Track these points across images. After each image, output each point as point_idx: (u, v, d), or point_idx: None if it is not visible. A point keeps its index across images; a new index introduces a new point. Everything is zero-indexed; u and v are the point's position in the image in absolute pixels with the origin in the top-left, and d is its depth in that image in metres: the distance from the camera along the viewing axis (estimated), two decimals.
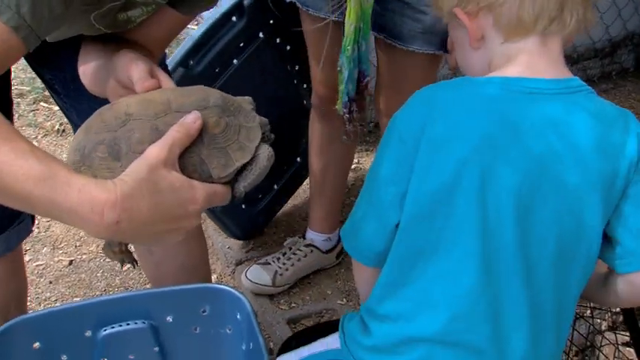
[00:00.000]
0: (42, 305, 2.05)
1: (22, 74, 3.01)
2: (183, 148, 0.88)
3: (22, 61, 1.29)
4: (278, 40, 2.05)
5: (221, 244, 2.27)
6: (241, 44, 1.95)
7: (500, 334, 0.98)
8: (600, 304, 1.16)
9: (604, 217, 0.96)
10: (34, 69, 1.39)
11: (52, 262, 2.22)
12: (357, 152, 2.70)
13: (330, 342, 1.16)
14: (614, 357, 1.57)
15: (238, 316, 1.18)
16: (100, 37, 1.11)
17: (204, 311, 1.20)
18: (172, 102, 0.93)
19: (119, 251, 1.02)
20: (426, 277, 0.99)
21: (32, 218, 1.46)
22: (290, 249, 2.12)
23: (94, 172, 0.88)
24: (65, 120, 2.11)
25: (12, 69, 1.18)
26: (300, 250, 2.11)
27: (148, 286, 2.03)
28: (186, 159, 0.89)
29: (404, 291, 1.01)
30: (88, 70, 1.10)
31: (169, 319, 1.18)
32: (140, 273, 2.15)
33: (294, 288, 2.10)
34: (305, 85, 2.14)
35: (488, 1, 0.97)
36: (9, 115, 1.35)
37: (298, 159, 2.29)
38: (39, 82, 2.27)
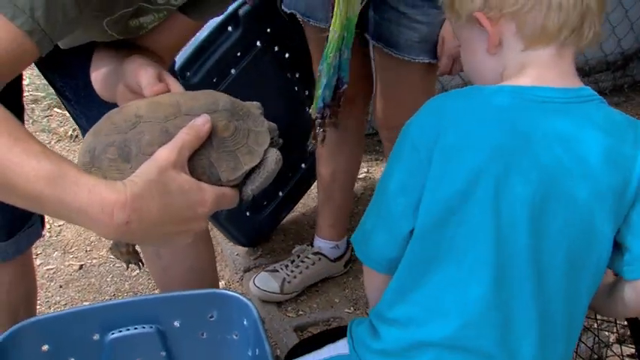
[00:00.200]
0: (52, 309, 2.06)
1: (37, 80, 3.03)
2: (192, 151, 0.88)
3: None
4: (276, 49, 2.05)
5: (230, 251, 2.28)
6: (238, 54, 1.94)
7: (510, 339, 0.99)
8: (607, 315, 1.16)
9: (614, 226, 0.97)
10: (45, 76, 1.40)
11: (62, 267, 2.24)
12: (367, 162, 2.71)
13: (339, 347, 1.16)
14: None
15: (245, 322, 1.19)
16: (112, 44, 1.12)
17: (211, 317, 1.21)
18: (182, 105, 0.93)
19: (126, 252, 1.03)
20: (437, 284, 1.00)
21: (42, 222, 1.47)
22: (298, 257, 2.12)
23: (103, 174, 0.88)
24: None
25: (27, 75, 1.20)
26: (308, 258, 2.11)
27: (156, 291, 2.04)
28: (196, 161, 0.89)
29: (415, 296, 1.02)
30: (99, 75, 1.11)
31: (177, 323, 1.19)
32: (149, 278, 2.16)
33: (302, 295, 2.11)
34: (307, 92, 2.14)
35: (514, 8, 0.96)
36: (21, 120, 1.37)
37: (303, 165, 2.29)
38: None
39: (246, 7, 1.91)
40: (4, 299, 1.46)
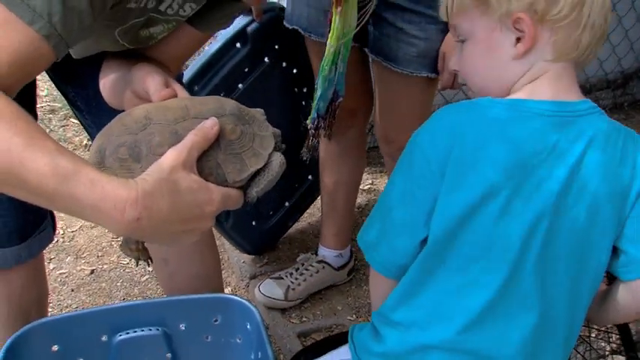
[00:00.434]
0: (63, 311, 2.08)
1: (54, 91, 3.07)
2: (201, 152, 0.91)
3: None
4: (284, 64, 2.06)
5: (236, 258, 2.30)
6: (246, 69, 1.95)
7: (511, 343, 1.00)
8: (598, 322, 1.16)
9: (614, 235, 0.99)
10: (57, 86, 1.42)
11: (74, 271, 2.27)
12: (371, 173, 2.73)
13: (341, 353, 1.18)
14: None
15: (248, 327, 1.20)
16: (121, 54, 1.14)
17: (215, 320, 1.22)
18: (190, 109, 0.95)
19: (135, 249, 1.06)
20: (442, 289, 1.01)
21: (53, 227, 1.49)
22: (302, 265, 2.14)
23: (114, 173, 0.89)
24: None
25: (46, 87, 1.22)
26: (313, 266, 2.13)
27: (164, 296, 2.06)
28: (204, 162, 0.92)
29: (419, 300, 1.03)
30: (107, 82, 1.13)
31: (182, 326, 1.21)
32: (157, 283, 2.19)
33: (306, 303, 2.12)
34: None
35: (557, 17, 0.95)
36: None
37: (310, 177, 2.30)
38: None
39: (254, 25, 1.92)
40: (17, 301, 1.47)
